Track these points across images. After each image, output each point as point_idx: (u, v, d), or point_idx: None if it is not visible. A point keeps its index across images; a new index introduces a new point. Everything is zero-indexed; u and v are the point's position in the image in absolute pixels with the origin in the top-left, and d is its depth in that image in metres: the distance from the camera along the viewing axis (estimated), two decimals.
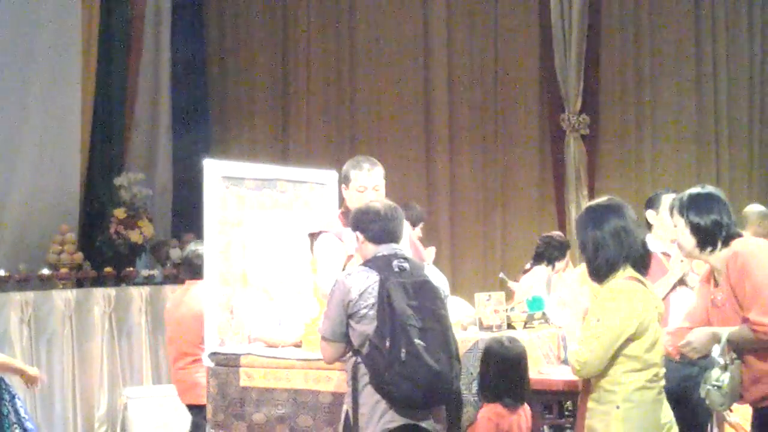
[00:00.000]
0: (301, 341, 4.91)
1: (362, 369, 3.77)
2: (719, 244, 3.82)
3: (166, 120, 9.95)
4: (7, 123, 8.15)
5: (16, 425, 3.60)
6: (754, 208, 6.80)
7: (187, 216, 9.02)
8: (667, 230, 4.85)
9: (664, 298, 4.75)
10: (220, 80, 10.51)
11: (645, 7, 9.47)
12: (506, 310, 5.20)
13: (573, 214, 9.38)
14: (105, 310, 7.93)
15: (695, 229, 3.83)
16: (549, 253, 6.97)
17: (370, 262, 3.90)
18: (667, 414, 3.70)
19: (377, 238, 3.94)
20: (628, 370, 3.59)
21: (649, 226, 5.08)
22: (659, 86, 9.40)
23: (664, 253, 4.90)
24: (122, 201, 8.76)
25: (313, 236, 4.81)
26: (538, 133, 9.80)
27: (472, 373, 4.45)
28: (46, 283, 7.86)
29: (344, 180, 4.71)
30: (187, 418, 7.07)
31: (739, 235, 3.90)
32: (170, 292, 8.43)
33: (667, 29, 9.40)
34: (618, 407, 3.57)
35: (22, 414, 3.71)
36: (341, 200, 4.88)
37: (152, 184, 9.43)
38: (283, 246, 5.32)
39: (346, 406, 3.91)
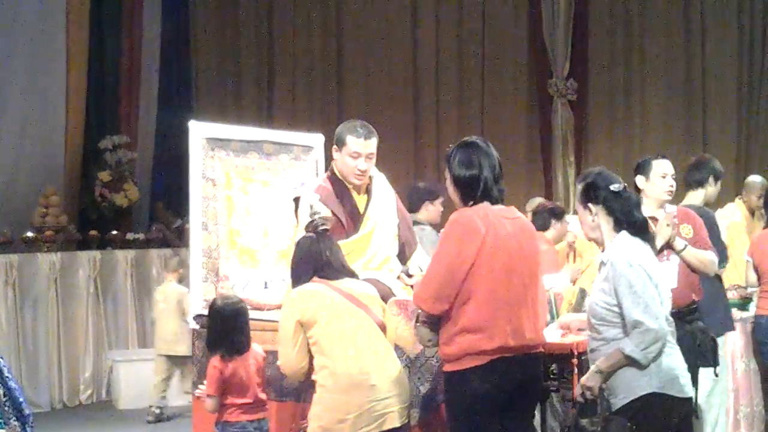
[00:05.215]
0: None
1: None
2: (477, 198, 3.83)
3: (153, 83, 9.82)
4: None
5: None
6: (756, 179, 6.69)
7: (169, 178, 8.97)
8: (655, 195, 4.87)
9: None
10: (205, 46, 10.33)
11: None
12: None
13: (560, 180, 9.37)
14: (90, 273, 7.90)
15: (456, 182, 3.84)
16: (541, 222, 6.92)
17: None
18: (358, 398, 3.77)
19: None
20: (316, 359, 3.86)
21: (638, 191, 5.07)
22: (647, 50, 9.37)
23: (652, 218, 4.87)
24: (107, 164, 8.69)
25: (297, 200, 4.76)
26: (526, 100, 9.76)
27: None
28: (30, 246, 7.82)
29: (337, 142, 4.53)
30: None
31: (496, 199, 3.90)
32: (156, 256, 8.41)
33: None
34: (316, 391, 3.85)
35: (5, 373, 3.68)
36: (328, 163, 4.82)
37: (136, 146, 9.29)
38: (268, 210, 5.29)
39: None
